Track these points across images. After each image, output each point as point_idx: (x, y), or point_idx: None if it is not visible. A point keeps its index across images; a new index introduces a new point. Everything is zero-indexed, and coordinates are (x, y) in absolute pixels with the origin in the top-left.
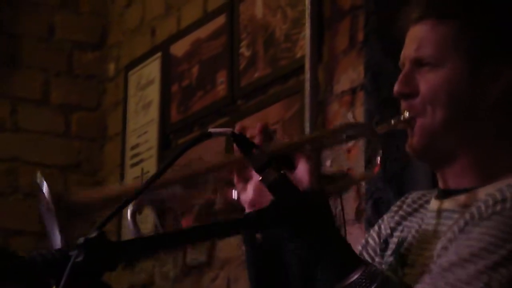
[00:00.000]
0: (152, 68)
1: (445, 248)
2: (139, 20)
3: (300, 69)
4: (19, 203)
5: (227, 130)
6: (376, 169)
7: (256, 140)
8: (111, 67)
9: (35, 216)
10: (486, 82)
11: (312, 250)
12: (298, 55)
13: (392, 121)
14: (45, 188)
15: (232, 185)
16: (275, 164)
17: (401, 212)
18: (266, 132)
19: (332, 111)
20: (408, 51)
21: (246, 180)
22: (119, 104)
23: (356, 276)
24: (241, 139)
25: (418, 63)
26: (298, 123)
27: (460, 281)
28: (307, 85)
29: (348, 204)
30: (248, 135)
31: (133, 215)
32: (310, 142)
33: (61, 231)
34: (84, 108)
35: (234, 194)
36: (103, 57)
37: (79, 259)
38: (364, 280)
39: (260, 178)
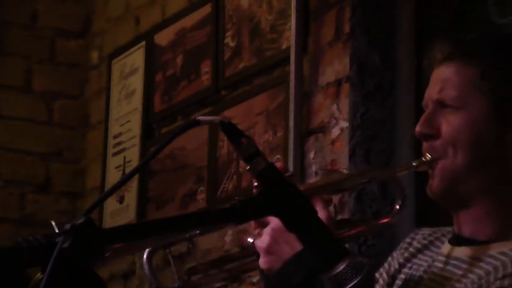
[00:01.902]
0: (136, 57)
1: None
2: (123, 9)
3: (285, 60)
4: None
5: (216, 118)
6: (396, 216)
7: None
8: (95, 55)
9: (15, 203)
10: (509, 125)
11: (299, 239)
12: (284, 46)
13: (414, 163)
14: None
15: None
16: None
17: (411, 249)
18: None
19: (317, 103)
20: (432, 92)
21: (262, 225)
22: (102, 92)
23: (342, 267)
24: (229, 128)
25: (441, 104)
26: (283, 114)
27: None
28: (292, 76)
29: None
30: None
31: (149, 257)
32: (330, 186)
33: None
34: (67, 96)
35: (250, 239)
36: (87, 45)
37: (66, 245)
38: (350, 271)
39: (248, 167)
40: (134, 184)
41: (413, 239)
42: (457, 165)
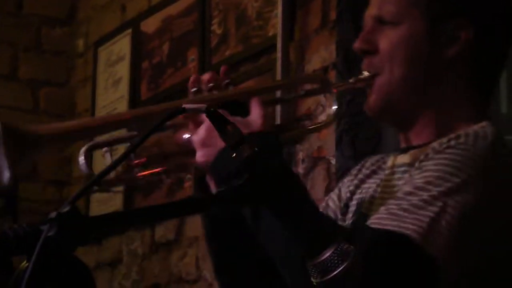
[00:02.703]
0: (122, 45)
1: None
2: None
3: (272, 47)
4: None
5: (202, 106)
6: (331, 120)
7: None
8: (80, 43)
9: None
10: (444, 42)
11: (286, 225)
12: (270, 33)
13: (351, 80)
14: None
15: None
16: (229, 109)
17: (360, 176)
18: (228, 76)
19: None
20: (370, 10)
21: (199, 124)
22: (88, 80)
23: (328, 254)
24: (215, 116)
25: (380, 21)
26: None
27: (414, 206)
28: (279, 64)
29: (318, 182)
30: (206, 78)
31: (87, 153)
32: (267, 90)
33: (9, 165)
34: (53, 84)
35: (185, 136)
36: (72, 32)
37: (51, 233)
38: (336, 258)
39: (234, 154)
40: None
41: (362, 166)
42: (394, 81)
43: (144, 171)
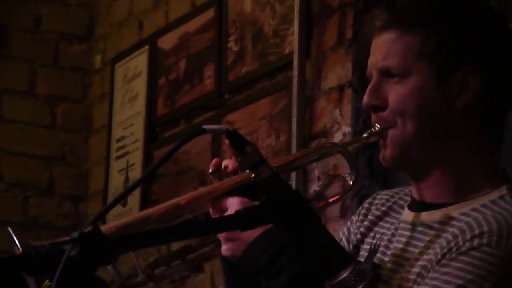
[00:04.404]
0: (139, 61)
1: (421, 276)
2: (126, 13)
3: (288, 64)
4: (3, 194)
5: (221, 127)
6: (350, 191)
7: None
8: (98, 59)
9: (19, 207)
10: (453, 92)
11: (302, 247)
12: (286, 50)
13: (364, 135)
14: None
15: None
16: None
17: (370, 217)
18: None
19: (320, 108)
20: (374, 60)
21: (222, 212)
22: (105, 96)
23: (345, 274)
24: (234, 137)
25: (386, 73)
26: (285, 118)
27: None
28: (295, 81)
29: None
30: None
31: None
32: (284, 166)
33: None
34: (70, 100)
35: None
36: (90, 49)
37: (73, 253)
38: (353, 278)
39: (253, 175)
40: (132, 199)
41: (371, 204)
42: (407, 134)
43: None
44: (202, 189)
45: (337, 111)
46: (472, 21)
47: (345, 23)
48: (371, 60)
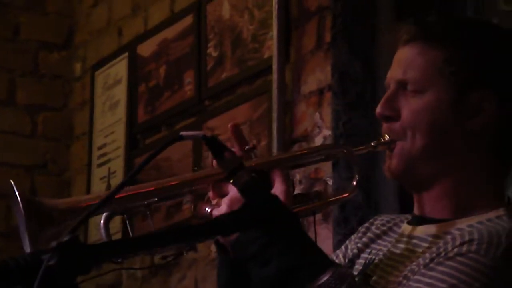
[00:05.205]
0: (119, 68)
1: (407, 278)
2: (105, 20)
3: (268, 69)
4: None
5: (199, 133)
6: (352, 193)
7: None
8: (78, 67)
9: (2, 216)
10: (467, 113)
11: (282, 252)
12: (266, 55)
13: (372, 143)
14: (16, 194)
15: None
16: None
17: (369, 234)
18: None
19: (300, 112)
20: (394, 72)
21: (221, 195)
22: (86, 104)
23: (326, 278)
24: (212, 142)
25: (403, 86)
26: (266, 123)
27: None
28: (275, 86)
29: None
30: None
31: (106, 222)
32: (289, 160)
33: (30, 237)
34: (50, 108)
35: (208, 209)
36: (70, 57)
37: (52, 262)
38: (333, 282)
39: (231, 180)
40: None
41: (371, 224)
42: (416, 149)
43: None
44: (205, 170)
45: (317, 114)
46: (495, 46)
47: (324, 27)
48: (391, 72)
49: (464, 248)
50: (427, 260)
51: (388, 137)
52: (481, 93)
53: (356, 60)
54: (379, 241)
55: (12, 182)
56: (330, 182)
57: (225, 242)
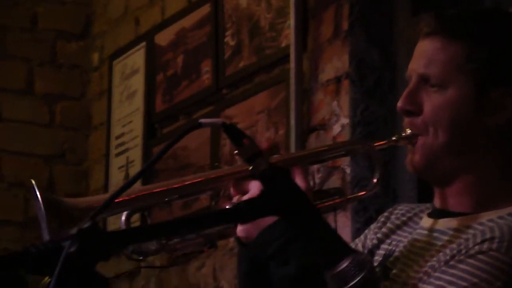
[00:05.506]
0: (137, 58)
1: (428, 275)
2: (123, 10)
3: (285, 58)
4: (3, 193)
5: (218, 120)
6: (373, 190)
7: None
8: (95, 56)
9: (20, 206)
10: (488, 110)
11: (301, 251)
12: (283, 44)
13: (393, 138)
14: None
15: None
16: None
17: (389, 225)
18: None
19: (317, 100)
20: (416, 65)
21: (243, 193)
22: (104, 93)
23: (345, 264)
24: (232, 130)
25: (425, 80)
26: (284, 112)
27: None
28: (292, 74)
29: None
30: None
31: (127, 221)
32: (309, 157)
33: (51, 237)
34: (69, 98)
35: (229, 207)
36: (87, 46)
37: (72, 249)
38: (353, 268)
39: (250, 168)
40: (137, 184)
41: (391, 213)
42: (437, 144)
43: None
44: (227, 168)
45: (335, 103)
46: None
47: (341, 15)
48: (413, 65)
49: (485, 246)
50: (448, 257)
51: (409, 131)
52: (502, 90)
53: (374, 48)
54: (399, 232)
55: (33, 182)
56: (348, 171)
57: (245, 240)
